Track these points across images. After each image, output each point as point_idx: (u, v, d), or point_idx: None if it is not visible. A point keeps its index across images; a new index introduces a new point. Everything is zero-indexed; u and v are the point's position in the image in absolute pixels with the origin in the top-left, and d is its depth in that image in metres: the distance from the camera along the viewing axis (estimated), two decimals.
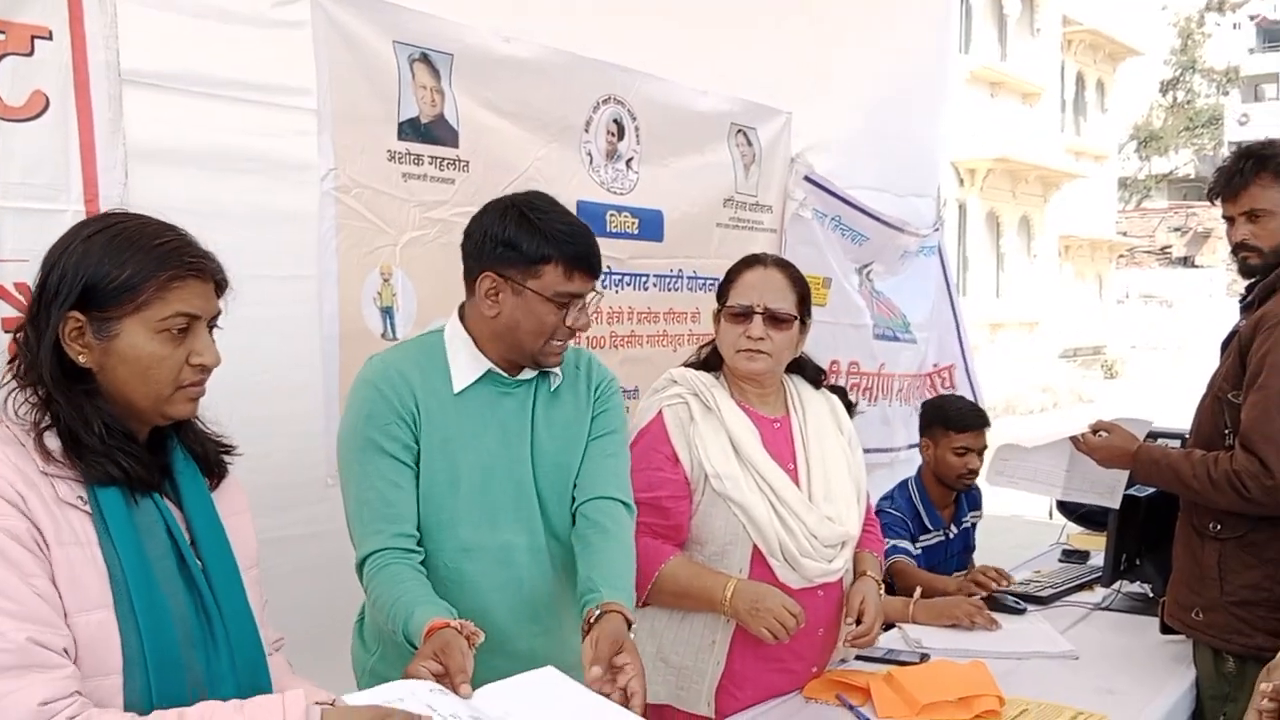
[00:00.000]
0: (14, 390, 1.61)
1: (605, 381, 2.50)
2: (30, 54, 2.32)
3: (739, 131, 4.33)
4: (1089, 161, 28.27)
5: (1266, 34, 48.15)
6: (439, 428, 2.28)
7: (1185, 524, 2.97)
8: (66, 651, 1.51)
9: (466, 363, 2.34)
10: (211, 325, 1.70)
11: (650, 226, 3.92)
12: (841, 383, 4.91)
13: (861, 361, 5.11)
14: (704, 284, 4.15)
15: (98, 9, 2.42)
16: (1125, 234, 35.36)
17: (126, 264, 1.61)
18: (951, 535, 4.07)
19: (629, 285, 3.87)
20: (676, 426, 2.66)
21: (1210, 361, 3.05)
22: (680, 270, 4.10)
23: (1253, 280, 2.97)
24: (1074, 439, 3.22)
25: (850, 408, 3.04)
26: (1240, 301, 3.03)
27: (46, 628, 1.49)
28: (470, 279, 2.31)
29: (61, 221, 2.35)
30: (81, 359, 1.62)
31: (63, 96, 2.38)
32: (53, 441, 1.58)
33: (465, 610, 2.05)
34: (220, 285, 1.73)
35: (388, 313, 3.07)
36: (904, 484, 4.07)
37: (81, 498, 1.58)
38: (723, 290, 2.77)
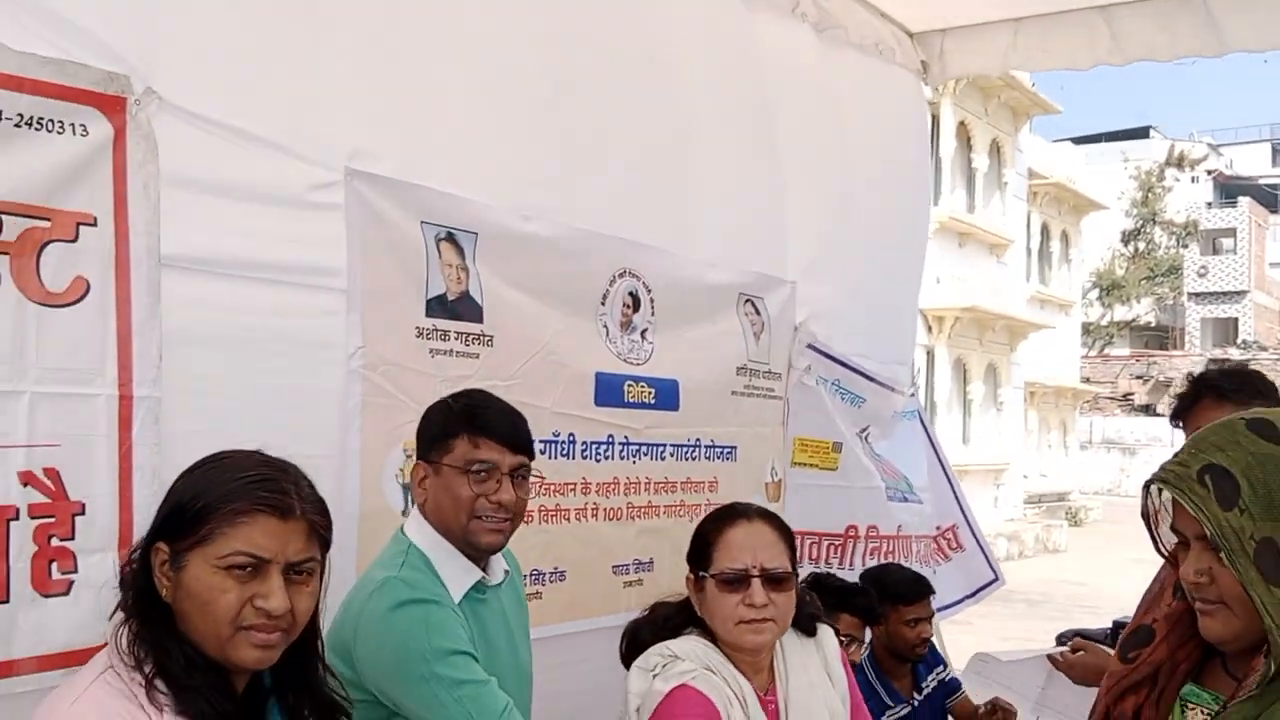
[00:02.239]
0: (122, 626, 1.56)
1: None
2: (74, 240, 2.32)
3: (747, 301, 4.37)
4: (1054, 309, 28.75)
5: (1224, 189, 49.73)
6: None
7: None
8: None
9: (458, 572, 2.35)
10: (298, 573, 1.61)
11: (667, 396, 3.91)
12: (861, 547, 4.89)
13: (880, 525, 5.06)
14: (721, 452, 4.13)
15: (142, 195, 2.42)
16: (1089, 380, 35.82)
17: (201, 495, 1.58)
18: (917, 703, 4.01)
19: (646, 455, 3.83)
20: (723, 707, 2.34)
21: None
22: (698, 439, 4.07)
23: None
24: (1051, 658, 3.22)
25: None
26: None
27: None
28: None
29: (94, 406, 2.35)
30: (164, 593, 1.57)
31: (103, 282, 2.37)
32: (162, 689, 1.51)
33: None
34: (317, 533, 1.65)
35: (409, 490, 3.02)
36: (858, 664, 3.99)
37: None
38: (701, 553, 2.49)
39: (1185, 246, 44.27)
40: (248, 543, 1.55)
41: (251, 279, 2.67)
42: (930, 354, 22.33)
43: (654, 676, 2.38)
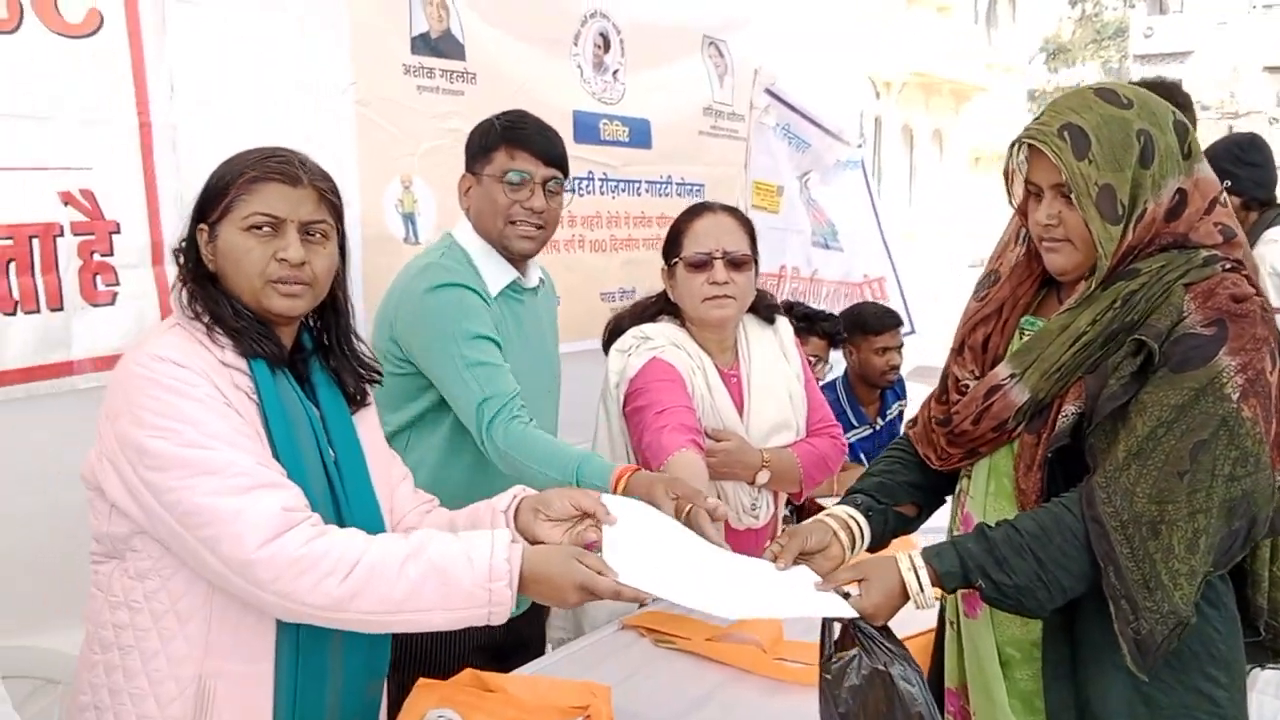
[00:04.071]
0: (181, 291, 1.83)
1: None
2: None
3: (711, 44, 4.51)
4: (999, 73, 28.70)
5: None
6: (500, 327, 2.54)
7: None
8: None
9: (496, 270, 2.61)
10: (312, 234, 1.82)
11: (639, 134, 4.11)
12: (784, 288, 5.19)
13: (801, 267, 5.38)
14: (691, 190, 4.35)
15: None
16: None
17: (224, 175, 1.82)
18: (879, 427, 4.42)
19: (624, 191, 4.06)
20: (687, 374, 2.69)
21: None
22: (670, 176, 4.29)
23: None
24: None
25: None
26: None
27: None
28: None
29: (118, 131, 2.53)
30: (210, 265, 1.83)
31: (115, 14, 2.51)
32: (220, 332, 1.78)
33: None
34: (326, 199, 1.85)
35: (409, 219, 3.23)
36: (831, 384, 4.40)
37: (251, 387, 1.77)
38: (673, 243, 2.76)
39: (1133, 7, 43.76)
40: (263, 204, 1.79)
41: (248, 6, 2.79)
42: (877, 120, 22.39)
43: (628, 355, 2.72)
